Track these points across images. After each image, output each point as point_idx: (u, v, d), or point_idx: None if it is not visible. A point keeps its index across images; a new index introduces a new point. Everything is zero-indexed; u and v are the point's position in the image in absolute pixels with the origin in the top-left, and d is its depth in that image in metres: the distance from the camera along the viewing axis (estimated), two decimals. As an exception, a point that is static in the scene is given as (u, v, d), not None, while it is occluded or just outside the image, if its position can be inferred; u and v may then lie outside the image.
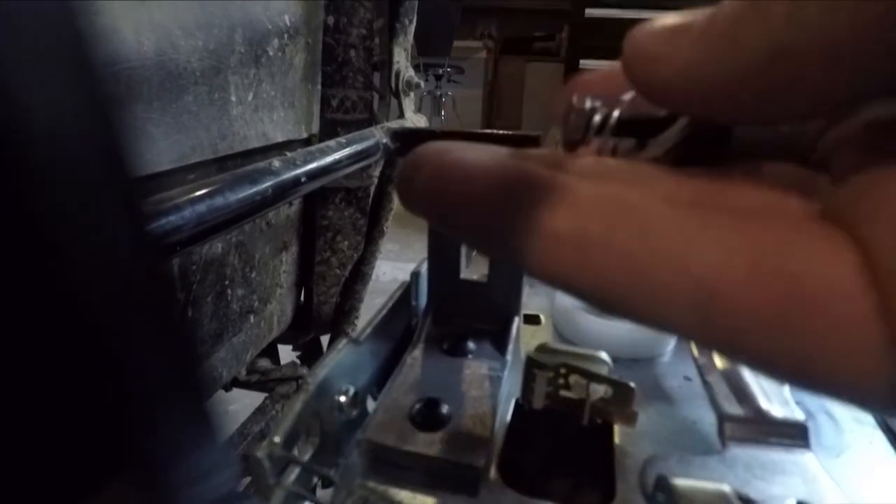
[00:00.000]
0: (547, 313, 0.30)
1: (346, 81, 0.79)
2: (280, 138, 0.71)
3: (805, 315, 0.09)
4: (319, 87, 0.79)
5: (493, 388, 0.21)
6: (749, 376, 0.19)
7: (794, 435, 0.17)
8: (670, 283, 0.10)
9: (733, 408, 0.17)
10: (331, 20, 0.75)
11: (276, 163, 0.52)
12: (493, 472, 0.19)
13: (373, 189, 0.84)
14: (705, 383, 0.18)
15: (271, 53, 0.66)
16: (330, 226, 0.85)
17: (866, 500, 0.17)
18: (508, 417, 0.22)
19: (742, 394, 0.18)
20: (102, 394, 0.09)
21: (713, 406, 0.17)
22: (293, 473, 0.16)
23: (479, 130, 0.60)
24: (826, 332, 0.09)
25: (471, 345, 0.23)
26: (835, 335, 0.09)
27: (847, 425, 0.22)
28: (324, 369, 0.17)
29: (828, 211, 0.11)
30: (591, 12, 1.86)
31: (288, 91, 0.72)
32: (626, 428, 0.20)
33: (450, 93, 3.45)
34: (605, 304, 0.11)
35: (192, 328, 0.63)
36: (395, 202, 0.87)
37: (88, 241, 0.08)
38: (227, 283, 0.71)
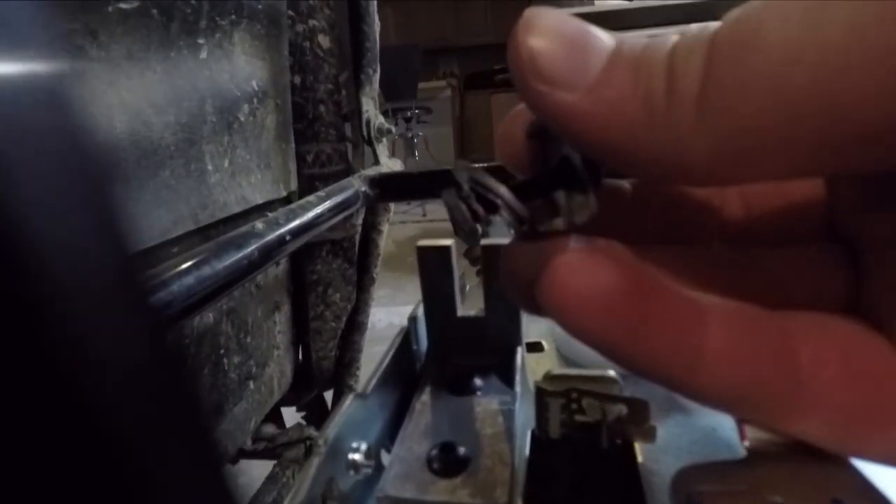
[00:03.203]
0: (549, 338, 0.30)
1: (318, 136, 0.80)
2: (260, 200, 0.71)
3: None
4: (293, 145, 0.80)
5: (506, 422, 0.21)
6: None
7: None
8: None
9: None
10: (297, 80, 0.77)
11: (260, 225, 0.52)
12: (519, 510, 0.18)
13: (357, 238, 0.85)
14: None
15: (243, 119, 0.67)
16: (320, 280, 0.84)
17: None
18: (527, 451, 0.21)
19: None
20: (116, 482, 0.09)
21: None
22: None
23: (448, 167, 0.61)
24: None
25: (478, 381, 0.23)
26: None
27: None
28: (334, 428, 0.17)
29: (859, 305, 0.12)
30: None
31: (262, 153, 0.73)
32: (647, 444, 0.20)
33: (420, 133, 3.52)
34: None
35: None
36: (381, 247, 0.87)
37: (94, 314, 0.08)
38: (222, 352, 0.69)
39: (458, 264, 0.24)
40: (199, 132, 0.58)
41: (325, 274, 0.84)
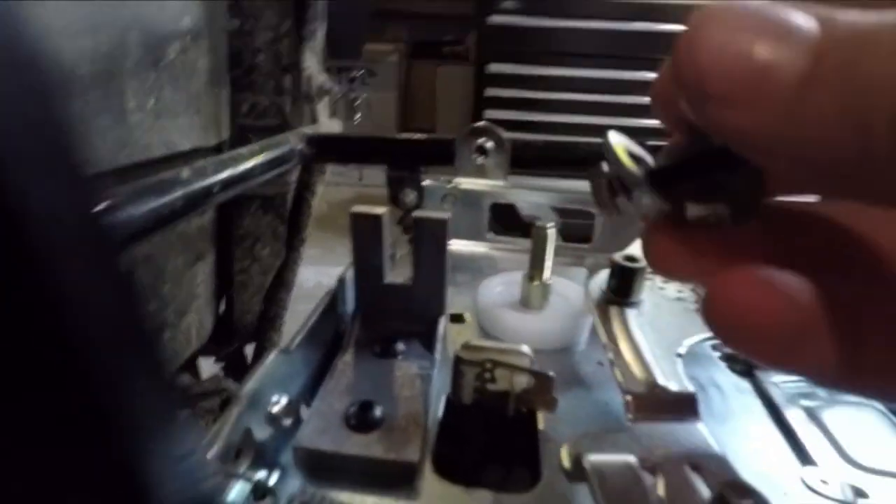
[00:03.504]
0: (471, 311, 0.31)
1: (255, 86, 0.76)
2: (187, 146, 0.67)
3: None
4: (227, 92, 0.76)
5: (424, 386, 0.22)
6: (650, 358, 0.21)
7: (686, 407, 0.19)
8: None
9: (636, 386, 0.20)
10: (235, 23, 0.72)
11: (186, 172, 0.49)
12: (428, 467, 0.20)
13: (290, 196, 0.82)
14: (613, 366, 0.20)
15: (172, 57, 0.63)
16: (248, 234, 0.82)
17: (745, 459, 0.20)
18: (440, 414, 0.22)
19: (644, 373, 0.20)
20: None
21: (620, 387, 0.19)
22: (232, 488, 0.16)
23: (395, 136, 0.61)
24: None
25: (400, 346, 0.24)
26: None
27: (731, 394, 0.25)
28: (255, 381, 0.17)
29: None
30: (493, 19, 1.92)
31: (193, 97, 0.68)
32: (548, 414, 0.22)
33: (364, 95, 3.42)
34: None
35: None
36: (314, 207, 0.85)
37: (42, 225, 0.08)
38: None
39: (391, 232, 0.25)
40: (120, 64, 0.53)
41: (254, 229, 0.81)
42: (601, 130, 0.14)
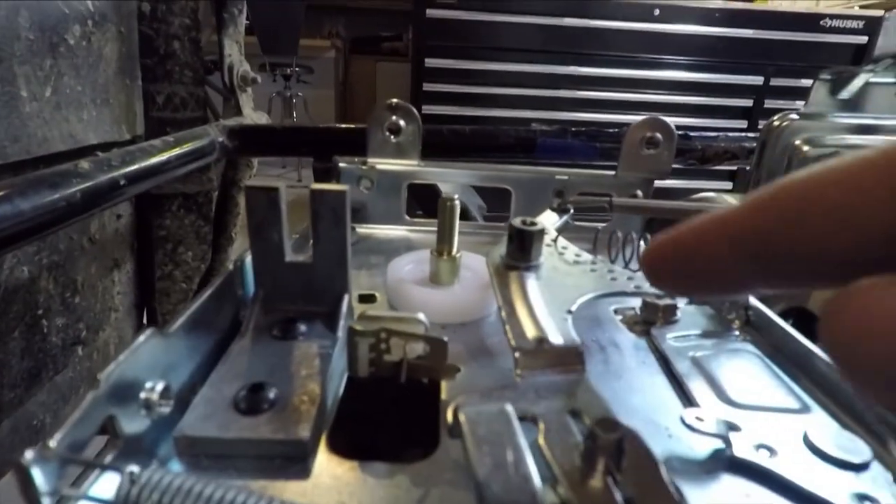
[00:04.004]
0: (382, 292, 0.30)
1: (171, 76, 0.72)
2: (94, 140, 0.62)
3: None
4: (140, 82, 0.71)
5: (323, 364, 0.21)
6: (541, 316, 0.21)
7: (572, 360, 0.19)
8: None
9: (525, 343, 0.20)
10: (146, 7, 0.68)
11: (85, 164, 0.46)
12: (323, 446, 0.19)
13: (215, 194, 0.79)
14: (505, 325, 0.20)
15: (72, 42, 0.58)
16: (169, 236, 0.77)
17: (634, 406, 0.21)
18: (341, 392, 0.22)
19: (534, 330, 0.20)
20: None
21: (509, 345, 0.19)
22: (94, 478, 0.15)
23: (316, 125, 0.59)
24: None
25: (302, 327, 0.23)
26: None
27: (629, 351, 0.26)
28: (120, 364, 0.16)
29: None
30: (431, 13, 1.93)
31: (99, 87, 0.64)
32: (451, 382, 0.22)
33: (300, 94, 3.34)
34: None
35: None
36: (242, 206, 0.82)
37: None
38: (40, 312, 0.61)
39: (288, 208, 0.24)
40: (8, 48, 0.49)
41: (175, 230, 0.77)
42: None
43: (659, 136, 0.39)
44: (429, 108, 1.99)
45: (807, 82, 2.14)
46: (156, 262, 0.79)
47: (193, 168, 0.63)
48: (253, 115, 0.78)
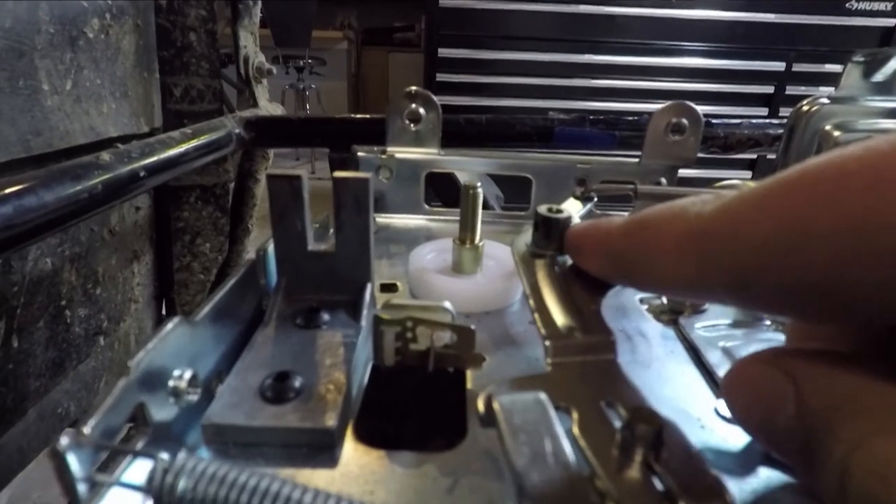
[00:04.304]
0: (404, 281, 0.30)
1: (188, 68, 0.73)
2: (114, 133, 0.63)
3: None
4: (157, 75, 0.71)
5: (347, 353, 0.21)
6: (571, 305, 0.21)
7: (604, 349, 0.19)
8: None
9: (556, 332, 0.19)
10: (163, 0, 0.68)
11: (106, 156, 0.46)
12: (349, 435, 0.19)
13: (231, 185, 0.79)
14: (533, 314, 0.20)
15: (91, 35, 0.59)
16: (187, 228, 0.78)
17: (664, 396, 0.20)
18: (366, 381, 0.22)
19: (564, 319, 0.20)
20: None
21: (539, 334, 0.19)
22: (126, 465, 0.15)
23: (332, 116, 0.59)
24: None
25: (325, 316, 0.23)
26: None
27: (656, 341, 0.25)
28: (149, 352, 0.16)
29: None
30: (444, 2, 1.91)
31: (118, 80, 0.64)
32: (477, 372, 0.21)
33: (313, 85, 3.34)
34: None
35: (20, 360, 0.55)
36: (258, 197, 0.82)
37: None
38: (63, 303, 0.62)
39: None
40: (29, 42, 0.49)
41: (193, 222, 0.77)
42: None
43: (685, 121, 0.38)
44: (442, 99, 1.97)
45: (831, 67, 2.08)
46: (174, 253, 0.80)
47: (211, 160, 0.64)
48: (269, 107, 0.78)
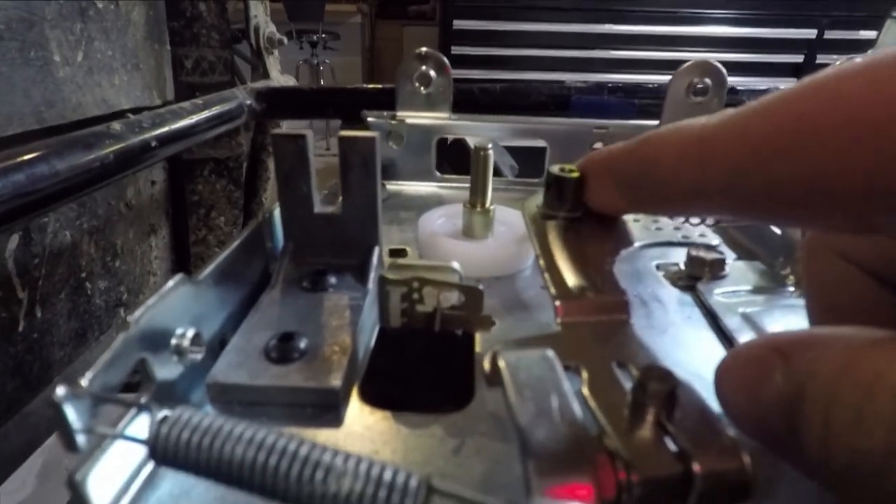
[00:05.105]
0: (413, 246, 0.30)
1: (199, 39, 0.72)
2: (126, 105, 0.63)
3: None
4: (168, 47, 0.71)
5: (353, 315, 0.21)
6: (583, 265, 0.20)
7: (617, 310, 0.18)
8: None
9: (566, 292, 0.19)
10: (171, -31, 0.67)
11: (118, 126, 0.46)
12: (354, 396, 0.19)
13: (244, 158, 0.79)
14: (544, 274, 0.19)
15: (100, 5, 0.58)
16: (201, 201, 0.78)
17: (680, 361, 0.19)
18: (373, 344, 0.21)
19: (575, 279, 0.19)
20: None
21: (549, 294, 0.18)
22: (129, 419, 0.15)
23: (345, 86, 0.58)
24: None
25: (332, 279, 0.23)
26: None
27: (673, 307, 0.24)
28: (149, 308, 0.16)
29: None
30: (459, -29, 1.86)
31: (129, 51, 0.64)
32: (485, 335, 0.21)
33: (327, 60, 3.31)
34: None
35: (44, 330, 0.56)
36: (272, 170, 0.82)
37: None
38: (83, 275, 0.63)
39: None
40: (39, 12, 0.49)
41: (207, 195, 0.78)
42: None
43: (708, 82, 0.36)
44: (457, 72, 1.93)
45: (866, 34, 1.99)
46: (190, 227, 0.80)
47: (222, 131, 0.63)
48: (280, 78, 0.77)
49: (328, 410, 0.18)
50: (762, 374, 0.13)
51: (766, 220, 0.15)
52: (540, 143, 0.40)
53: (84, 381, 0.13)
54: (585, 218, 0.21)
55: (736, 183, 0.15)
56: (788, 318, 0.23)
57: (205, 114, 0.59)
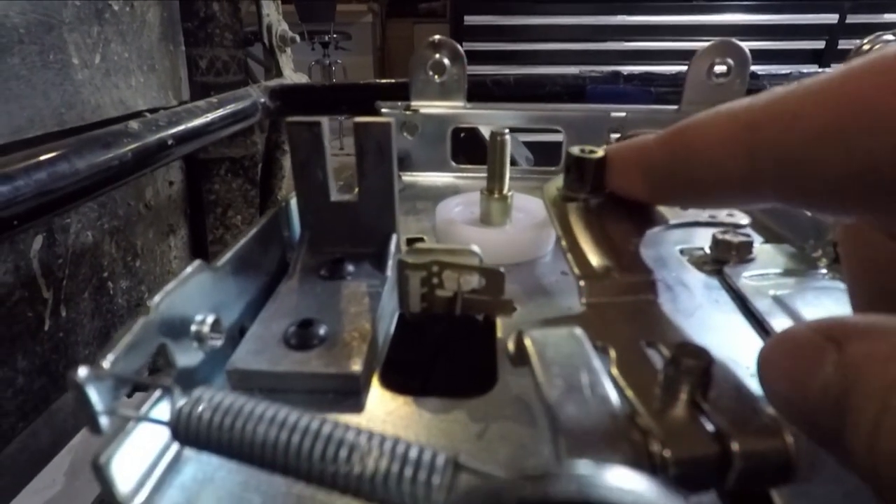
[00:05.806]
0: (431, 235, 0.29)
1: (212, 39, 0.72)
2: (142, 106, 0.63)
3: None
4: (183, 47, 0.72)
5: (372, 302, 0.21)
6: (607, 245, 0.19)
7: (644, 289, 0.18)
8: None
9: (591, 272, 0.18)
10: (184, -30, 0.68)
11: (135, 125, 0.47)
12: (375, 381, 0.18)
13: (259, 157, 0.79)
14: (566, 254, 0.19)
15: (116, 8, 0.59)
16: (218, 200, 0.79)
17: (709, 344, 0.19)
18: (392, 330, 0.21)
19: (600, 260, 0.18)
20: None
21: (573, 275, 0.18)
22: (153, 402, 0.14)
23: (358, 82, 0.58)
24: None
25: (349, 267, 0.22)
26: None
27: (699, 291, 0.24)
28: (168, 293, 0.16)
29: None
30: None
31: (145, 53, 0.65)
32: (507, 320, 0.20)
33: (339, 61, 3.32)
34: None
35: (69, 329, 0.57)
36: (287, 168, 0.83)
37: None
38: (105, 275, 0.64)
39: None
40: (57, 15, 0.49)
41: (224, 194, 0.78)
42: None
43: (730, 61, 0.35)
44: (469, 69, 1.93)
45: (890, 17, 1.93)
46: (207, 226, 0.81)
47: (237, 129, 0.64)
48: (293, 76, 0.78)
49: (349, 396, 0.18)
50: (811, 362, 0.12)
51: (819, 209, 0.14)
52: (556, 137, 0.39)
53: (105, 363, 0.12)
54: (607, 199, 0.20)
55: (791, 173, 0.14)
56: (823, 300, 0.22)
57: (220, 112, 0.59)
